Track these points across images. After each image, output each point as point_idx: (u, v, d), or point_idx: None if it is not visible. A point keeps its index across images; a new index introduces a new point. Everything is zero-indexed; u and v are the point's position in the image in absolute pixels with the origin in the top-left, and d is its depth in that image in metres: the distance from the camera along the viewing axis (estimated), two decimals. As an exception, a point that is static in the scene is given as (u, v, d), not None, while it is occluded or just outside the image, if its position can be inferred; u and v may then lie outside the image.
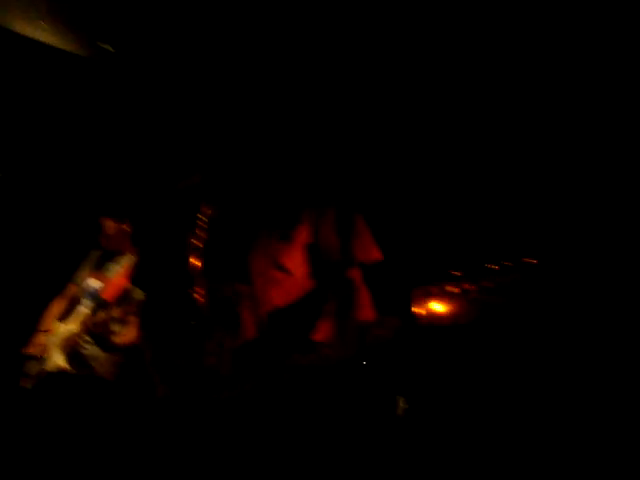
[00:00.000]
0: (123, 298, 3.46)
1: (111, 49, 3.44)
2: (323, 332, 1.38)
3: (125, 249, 3.53)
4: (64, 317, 3.42)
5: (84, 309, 3.37)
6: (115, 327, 3.42)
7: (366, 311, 1.42)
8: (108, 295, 3.38)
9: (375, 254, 1.37)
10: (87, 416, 3.27)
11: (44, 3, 3.23)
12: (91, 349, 3.37)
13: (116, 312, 3.44)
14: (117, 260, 3.47)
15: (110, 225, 3.51)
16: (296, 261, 1.34)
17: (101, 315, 3.38)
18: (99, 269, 3.49)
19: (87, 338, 3.34)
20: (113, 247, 3.51)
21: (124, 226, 3.53)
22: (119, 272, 3.41)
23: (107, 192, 3.77)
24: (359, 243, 1.41)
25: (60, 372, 3.25)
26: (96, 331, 3.35)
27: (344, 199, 1.45)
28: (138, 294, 3.56)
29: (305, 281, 1.39)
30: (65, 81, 3.71)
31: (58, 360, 3.27)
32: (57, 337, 3.33)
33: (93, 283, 3.45)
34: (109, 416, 3.39)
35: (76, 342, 3.30)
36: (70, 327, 3.33)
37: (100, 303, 3.37)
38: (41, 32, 3.43)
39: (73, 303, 3.44)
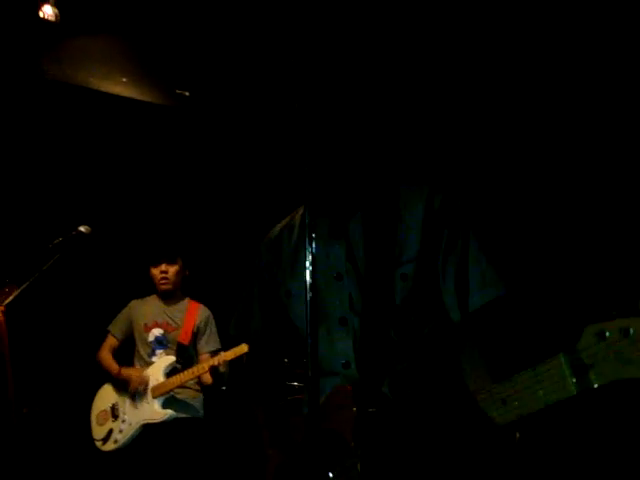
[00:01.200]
0: (192, 341, 3.45)
1: (187, 94, 3.61)
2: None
3: (181, 295, 3.52)
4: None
5: (164, 357, 3.36)
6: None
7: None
8: (185, 340, 3.38)
9: (500, 290, 1.30)
10: (191, 462, 3.25)
11: (125, 61, 3.45)
12: (184, 393, 3.36)
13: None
14: (178, 308, 3.47)
15: (170, 269, 3.43)
16: (417, 301, 1.33)
17: (184, 360, 3.37)
18: (158, 318, 3.45)
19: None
20: (171, 288, 3.46)
21: (180, 268, 3.47)
22: (188, 317, 3.42)
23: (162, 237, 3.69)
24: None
25: (156, 422, 3.25)
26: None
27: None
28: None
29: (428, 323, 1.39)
30: (145, 129, 3.90)
31: (153, 412, 3.26)
32: (140, 388, 3.31)
33: (157, 332, 3.43)
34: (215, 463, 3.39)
35: (169, 390, 3.29)
36: (155, 376, 3.31)
37: (180, 349, 3.37)
38: (121, 87, 3.66)
39: (138, 357, 3.42)
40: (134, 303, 3.55)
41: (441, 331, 1.43)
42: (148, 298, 3.54)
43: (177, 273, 3.43)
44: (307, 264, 1.19)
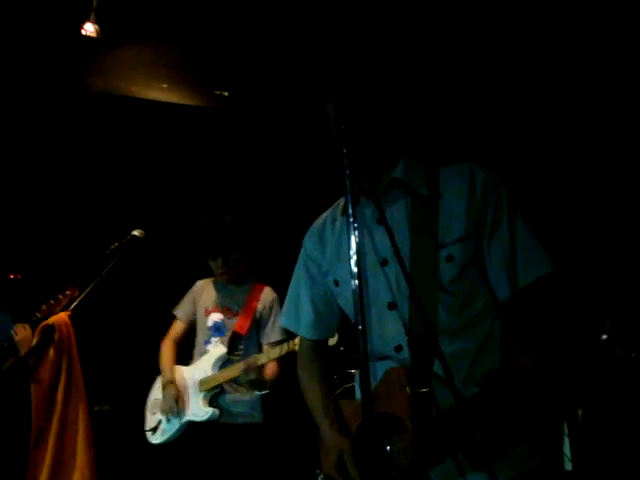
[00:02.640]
0: (252, 329, 3.06)
1: (226, 94, 3.68)
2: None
3: (245, 278, 3.15)
4: (192, 359, 3.09)
5: (217, 347, 3.00)
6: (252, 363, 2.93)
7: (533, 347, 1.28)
8: (242, 328, 3.00)
9: (548, 266, 1.27)
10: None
11: (164, 68, 3.54)
12: (233, 391, 2.97)
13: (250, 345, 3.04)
14: (240, 291, 3.12)
15: (228, 261, 3.05)
16: (464, 282, 1.31)
17: (238, 351, 2.99)
18: (219, 302, 3.11)
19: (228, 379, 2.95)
20: (233, 277, 3.10)
21: (239, 256, 3.07)
22: (249, 301, 3.06)
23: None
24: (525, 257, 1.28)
25: (201, 422, 2.92)
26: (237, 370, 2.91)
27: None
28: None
29: (476, 304, 1.38)
30: (188, 132, 4.00)
31: (197, 408, 2.94)
32: (189, 382, 3.02)
33: (216, 317, 3.08)
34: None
35: (216, 385, 2.95)
36: (204, 368, 3.00)
37: (234, 338, 2.98)
38: (162, 93, 3.76)
39: (197, 344, 3.09)
40: (199, 284, 3.24)
41: (489, 311, 1.44)
42: (212, 279, 3.21)
43: (236, 262, 3.06)
44: (352, 251, 1.21)
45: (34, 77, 3.62)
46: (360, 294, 1.18)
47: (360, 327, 1.16)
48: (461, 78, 3.52)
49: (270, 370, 2.97)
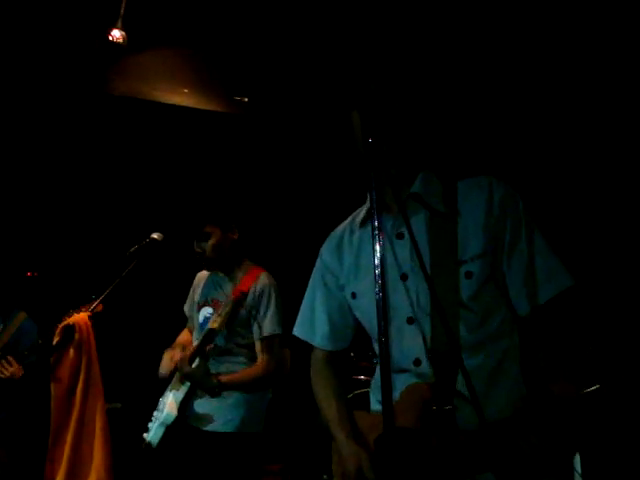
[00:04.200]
0: (235, 324, 2.66)
1: (246, 100, 3.72)
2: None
3: (235, 264, 2.79)
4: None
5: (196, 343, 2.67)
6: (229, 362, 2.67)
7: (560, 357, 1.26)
8: (216, 323, 2.62)
9: (568, 281, 1.26)
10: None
11: (186, 73, 3.59)
12: (202, 393, 2.64)
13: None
14: (229, 280, 2.77)
15: (203, 245, 2.73)
16: (483, 298, 1.31)
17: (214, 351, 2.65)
18: (209, 295, 2.81)
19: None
20: (211, 262, 2.76)
21: (219, 238, 2.73)
22: (237, 290, 2.67)
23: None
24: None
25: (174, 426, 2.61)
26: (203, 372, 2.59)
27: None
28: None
29: (495, 320, 1.36)
30: (207, 137, 4.05)
31: (168, 404, 2.66)
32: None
33: (206, 312, 2.77)
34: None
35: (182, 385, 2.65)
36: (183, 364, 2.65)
37: (209, 335, 2.62)
38: (183, 98, 3.81)
39: (193, 342, 2.78)
40: (197, 276, 2.96)
41: (508, 327, 1.44)
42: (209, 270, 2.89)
43: (215, 247, 2.71)
44: (376, 263, 1.22)
45: (58, 80, 3.69)
46: (383, 307, 1.20)
47: (383, 339, 1.18)
48: (480, 91, 3.54)
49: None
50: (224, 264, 2.79)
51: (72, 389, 2.56)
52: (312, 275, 1.71)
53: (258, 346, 2.66)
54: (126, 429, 3.77)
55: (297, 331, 1.71)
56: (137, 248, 2.91)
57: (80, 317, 2.64)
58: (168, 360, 2.75)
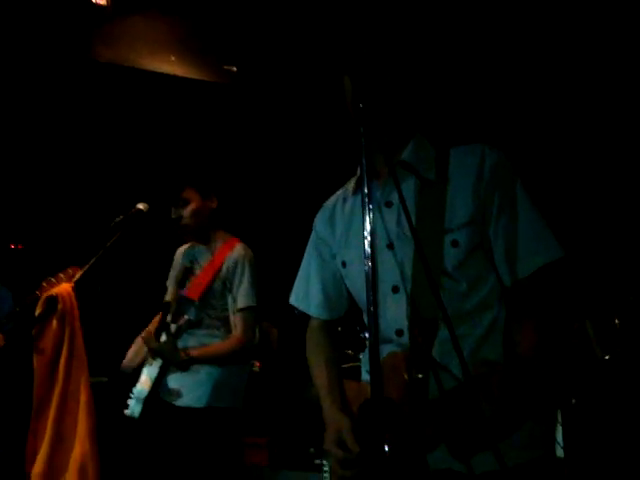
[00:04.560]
0: (209, 295, 2.62)
1: (234, 69, 3.64)
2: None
3: (211, 234, 2.74)
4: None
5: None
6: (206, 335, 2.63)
7: (531, 330, 1.24)
8: (195, 293, 2.59)
9: (558, 252, 1.24)
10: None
11: (173, 40, 3.50)
12: (176, 369, 2.59)
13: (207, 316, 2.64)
14: (206, 250, 2.73)
15: (181, 212, 2.66)
16: (468, 268, 1.28)
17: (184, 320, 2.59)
18: (187, 265, 2.77)
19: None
20: (190, 230, 2.70)
21: (197, 206, 2.67)
22: (212, 261, 2.59)
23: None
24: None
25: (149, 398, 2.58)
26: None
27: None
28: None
29: (480, 290, 1.34)
30: (194, 106, 3.96)
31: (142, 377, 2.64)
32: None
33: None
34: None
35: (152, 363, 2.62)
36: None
37: (185, 304, 2.60)
38: (170, 66, 3.72)
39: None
40: (178, 251, 2.92)
41: (495, 298, 1.42)
42: (191, 243, 2.86)
43: (193, 213, 2.65)
44: (365, 232, 1.19)
45: (40, 44, 3.58)
46: (373, 277, 1.17)
47: (372, 308, 1.16)
48: (475, 56, 3.48)
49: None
50: (201, 233, 2.73)
51: (55, 361, 2.52)
52: (307, 245, 1.71)
53: (232, 319, 2.61)
54: (112, 403, 3.77)
55: (293, 300, 1.72)
56: (122, 219, 2.85)
57: (63, 288, 2.58)
58: (132, 354, 2.74)
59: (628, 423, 3.14)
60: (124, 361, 2.78)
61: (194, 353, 2.57)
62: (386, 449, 1.22)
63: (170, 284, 2.88)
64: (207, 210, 2.70)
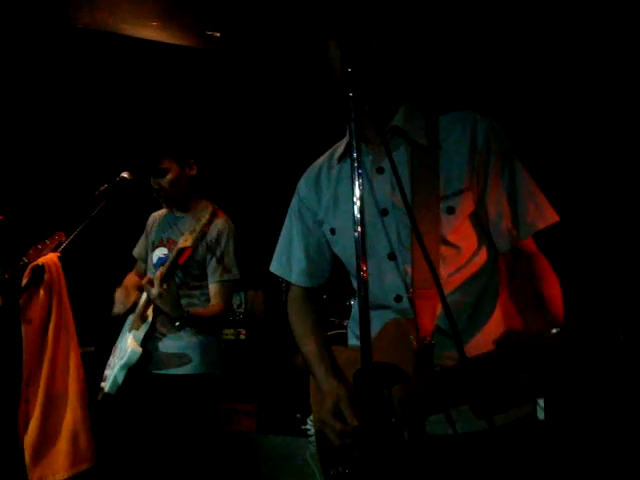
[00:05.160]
0: (195, 264, 2.60)
1: (218, 35, 3.56)
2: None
3: (191, 202, 2.74)
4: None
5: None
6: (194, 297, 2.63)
7: (554, 287, 1.22)
8: (189, 242, 2.46)
9: (553, 217, 1.24)
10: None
11: (155, 5, 3.40)
12: (165, 333, 2.58)
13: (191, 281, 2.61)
14: (186, 218, 2.71)
15: (161, 181, 2.63)
16: (464, 234, 1.27)
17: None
18: (164, 235, 2.73)
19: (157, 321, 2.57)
20: (171, 199, 2.68)
21: (176, 174, 2.65)
22: (190, 230, 2.51)
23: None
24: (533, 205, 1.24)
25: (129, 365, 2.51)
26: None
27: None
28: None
29: (475, 256, 1.33)
30: (177, 72, 3.88)
31: (122, 350, 2.58)
32: (125, 326, 2.70)
33: (160, 252, 2.69)
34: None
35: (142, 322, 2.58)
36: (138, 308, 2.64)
37: (172, 267, 2.47)
38: (152, 32, 3.63)
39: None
40: (151, 217, 2.89)
41: (489, 264, 1.43)
42: (167, 210, 2.81)
43: (172, 182, 2.64)
44: (355, 199, 1.19)
45: (14, 7, 3.46)
46: (362, 243, 1.17)
47: (363, 274, 1.16)
48: (465, 24, 3.44)
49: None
50: (181, 201, 2.73)
51: (44, 330, 2.53)
52: (289, 211, 1.68)
53: (212, 289, 2.60)
54: (100, 373, 3.78)
55: (274, 267, 1.69)
56: (107, 187, 2.83)
57: (49, 257, 2.58)
58: (123, 297, 2.67)
59: (609, 383, 3.21)
60: (114, 308, 2.71)
61: (193, 311, 2.52)
62: (384, 413, 1.22)
63: (143, 250, 2.85)
64: (186, 178, 2.70)
